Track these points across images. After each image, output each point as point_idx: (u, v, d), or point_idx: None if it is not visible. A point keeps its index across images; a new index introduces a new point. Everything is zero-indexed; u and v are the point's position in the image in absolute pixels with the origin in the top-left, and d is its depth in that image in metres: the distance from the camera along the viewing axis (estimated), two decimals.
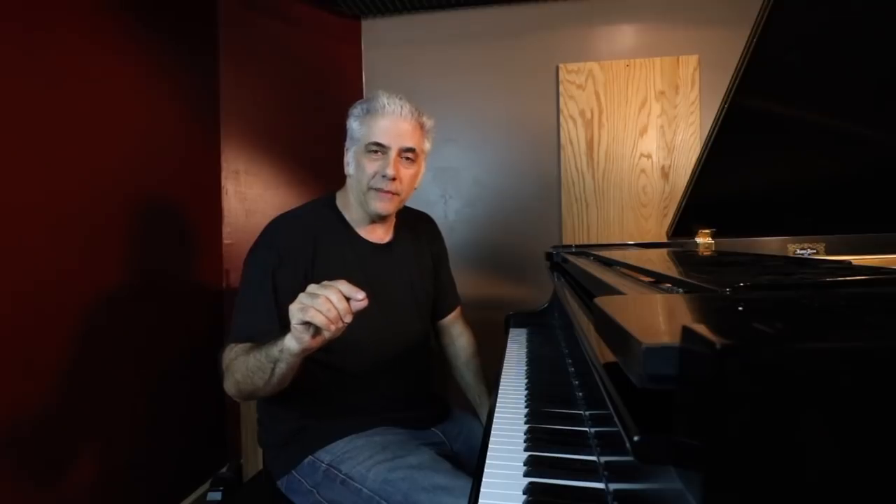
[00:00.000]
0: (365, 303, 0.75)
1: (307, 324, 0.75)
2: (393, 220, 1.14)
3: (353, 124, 1.06)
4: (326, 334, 0.76)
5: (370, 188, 1.02)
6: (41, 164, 1.29)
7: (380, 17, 2.11)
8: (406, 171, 1.05)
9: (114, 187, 1.51)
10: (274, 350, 0.81)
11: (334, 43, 2.13)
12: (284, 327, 0.86)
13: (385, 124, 1.02)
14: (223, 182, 2.06)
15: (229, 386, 0.91)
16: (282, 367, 0.82)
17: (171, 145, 1.77)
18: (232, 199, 2.07)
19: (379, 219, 1.08)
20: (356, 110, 1.06)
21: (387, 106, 1.03)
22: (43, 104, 1.30)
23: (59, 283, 1.33)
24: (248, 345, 0.90)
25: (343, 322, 0.75)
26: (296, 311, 0.75)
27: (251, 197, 2.09)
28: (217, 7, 2.05)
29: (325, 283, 0.76)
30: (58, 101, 1.34)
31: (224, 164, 2.06)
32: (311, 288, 0.76)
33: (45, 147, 1.30)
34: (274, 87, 2.10)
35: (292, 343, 0.78)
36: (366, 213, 1.06)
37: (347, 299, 0.75)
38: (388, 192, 1.02)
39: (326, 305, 0.73)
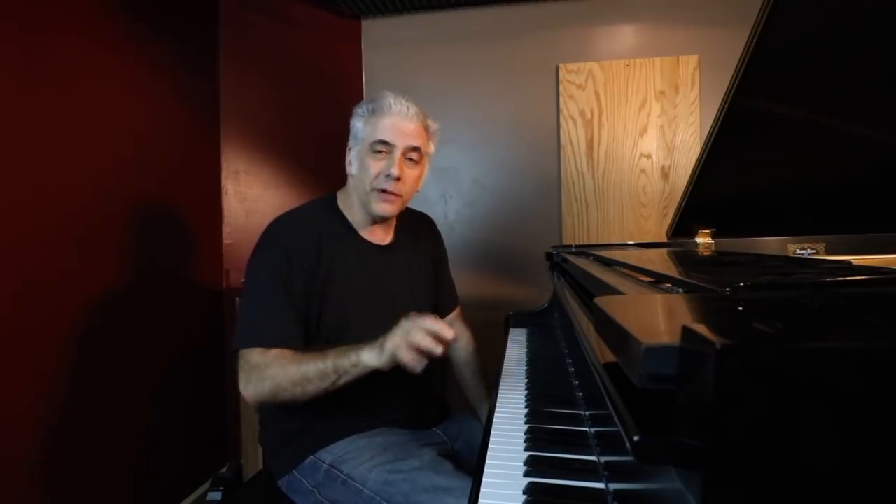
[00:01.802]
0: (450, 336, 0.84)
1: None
2: (394, 222, 1.14)
3: (358, 124, 1.05)
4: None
5: (373, 189, 1.02)
6: (41, 164, 1.29)
7: (380, 17, 2.11)
8: (410, 172, 1.04)
9: (114, 187, 1.51)
10: (345, 363, 0.88)
11: (334, 43, 2.13)
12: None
13: (391, 123, 1.02)
14: (223, 182, 2.06)
15: (260, 391, 0.92)
16: (347, 379, 0.89)
17: (171, 145, 1.78)
18: (232, 199, 2.07)
19: (380, 220, 1.08)
20: (361, 110, 1.05)
21: (393, 106, 1.02)
22: (43, 104, 1.30)
23: (59, 282, 1.33)
24: (289, 352, 0.93)
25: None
26: (406, 340, 0.83)
27: (251, 197, 2.09)
28: (217, 7, 2.05)
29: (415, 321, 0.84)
30: (58, 101, 1.34)
31: (224, 164, 2.06)
32: (406, 326, 0.85)
33: (46, 147, 1.30)
34: (274, 86, 2.10)
35: (372, 359, 0.86)
36: (368, 214, 1.06)
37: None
38: (391, 193, 1.02)
39: (431, 343, 0.82)
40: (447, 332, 0.83)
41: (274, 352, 0.93)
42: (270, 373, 0.91)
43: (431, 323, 0.83)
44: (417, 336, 0.81)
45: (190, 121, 1.89)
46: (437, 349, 0.82)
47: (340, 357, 0.88)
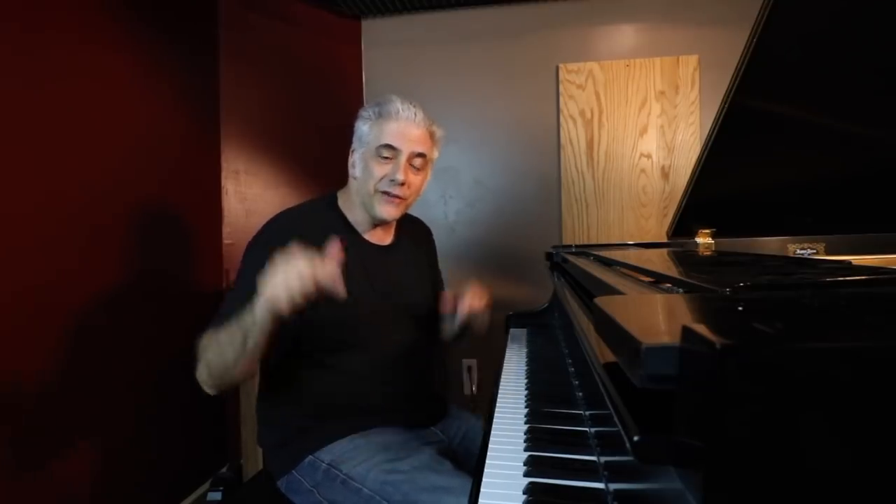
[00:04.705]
0: (338, 288, 0.78)
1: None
2: (394, 223, 1.14)
3: (363, 127, 1.05)
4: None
5: (377, 191, 1.02)
6: (41, 164, 1.29)
7: (380, 17, 2.11)
8: (414, 178, 1.04)
9: (114, 187, 1.51)
10: (246, 319, 0.82)
11: (334, 43, 2.13)
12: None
13: (398, 128, 1.02)
14: (223, 182, 2.05)
15: (201, 370, 0.90)
16: (254, 336, 0.82)
17: (171, 145, 1.78)
18: (232, 199, 2.07)
19: (381, 223, 1.08)
20: (366, 113, 1.06)
21: (401, 111, 1.02)
22: (42, 104, 1.30)
23: (59, 283, 1.33)
24: (220, 326, 0.89)
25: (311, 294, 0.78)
26: (269, 287, 0.77)
27: (251, 197, 2.09)
28: (217, 7, 2.05)
29: (301, 261, 0.78)
30: (57, 101, 1.34)
31: (224, 164, 2.06)
32: (284, 269, 0.78)
33: (45, 147, 1.30)
34: (274, 87, 2.10)
35: (263, 311, 0.79)
36: (369, 215, 1.06)
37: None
38: (395, 196, 1.02)
39: (298, 291, 0.76)
40: (323, 273, 0.77)
41: (212, 329, 0.90)
42: (204, 346, 0.89)
43: (311, 265, 0.77)
44: (294, 288, 0.76)
45: (190, 121, 1.89)
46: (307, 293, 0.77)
47: (243, 315, 0.83)
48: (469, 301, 1.05)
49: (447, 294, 1.07)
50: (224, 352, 0.85)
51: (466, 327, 1.11)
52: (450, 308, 1.08)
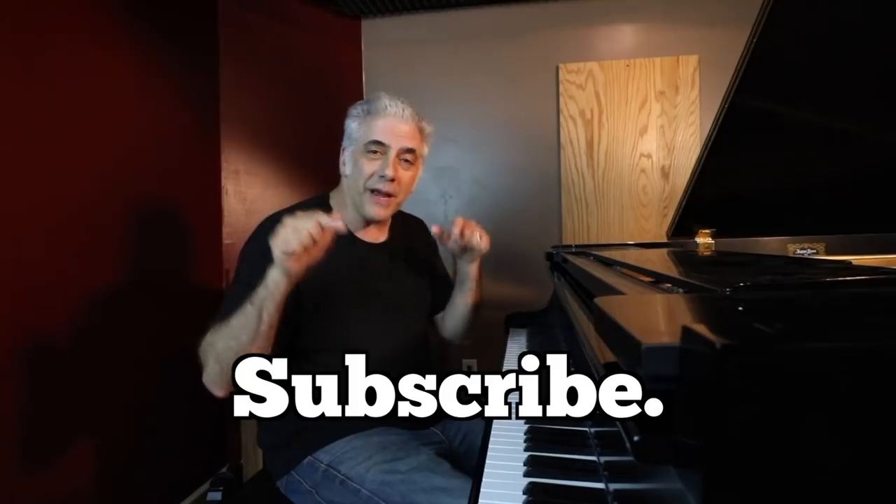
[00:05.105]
0: (340, 224, 0.85)
1: (289, 253, 0.82)
2: (388, 221, 1.14)
3: (352, 124, 1.06)
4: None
5: (367, 189, 1.02)
6: (41, 164, 1.29)
7: (380, 16, 2.11)
8: (404, 174, 1.05)
9: (114, 188, 1.51)
10: (259, 293, 0.85)
11: (334, 43, 2.13)
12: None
13: (386, 124, 1.02)
14: (223, 182, 2.06)
15: (209, 369, 0.89)
16: (269, 308, 0.85)
17: (171, 145, 1.78)
18: (232, 199, 2.07)
19: (373, 221, 1.08)
20: (356, 110, 1.06)
21: (389, 107, 1.03)
22: (42, 105, 1.30)
23: (59, 283, 1.33)
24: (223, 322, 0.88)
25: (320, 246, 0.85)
26: (279, 244, 0.82)
27: (251, 197, 2.09)
28: (217, 7, 2.05)
29: (302, 215, 0.84)
30: (57, 101, 1.34)
31: (224, 164, 2.06)
32: (290, 222, 0.83)
33: (45, 148, 1.30)
34: (274, 87, 2.10)
35: (277, 273, 0.84)
36: (360, 215, 1.06)
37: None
38: (385, 194, 1.02)
39: (307, 237, 0.82)
40: (326, 221, 0.83)
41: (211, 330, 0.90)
42: (210, 343, 0.88)
43: (320, 217, 0.83)
44: (292, 243, 0.81)
45: (190, 121, 1.89)
46: (316, 237, 0.83)
47: (253, 295, 0.85)
48: (458, 226, 1.07)
49: (436, 227, 1.08)
50: (238, 335, 0.85)
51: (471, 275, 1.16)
52: (444, 238, 1.09)
